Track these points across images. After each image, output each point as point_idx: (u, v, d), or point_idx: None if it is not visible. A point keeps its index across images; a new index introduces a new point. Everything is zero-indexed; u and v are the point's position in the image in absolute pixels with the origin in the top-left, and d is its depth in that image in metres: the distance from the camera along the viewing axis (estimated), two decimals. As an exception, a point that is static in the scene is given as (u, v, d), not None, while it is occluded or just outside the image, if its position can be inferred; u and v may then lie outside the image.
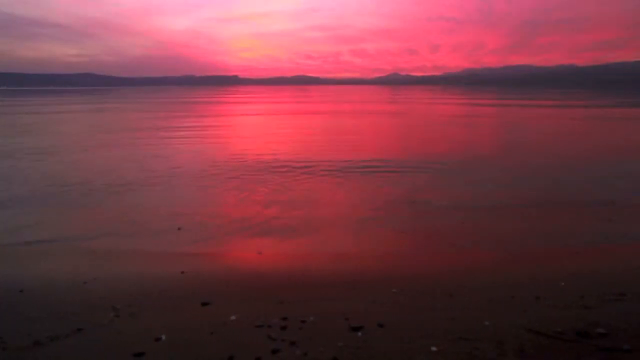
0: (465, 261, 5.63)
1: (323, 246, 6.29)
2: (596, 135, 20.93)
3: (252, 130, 24.61)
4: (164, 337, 3.42)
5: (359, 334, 3.40)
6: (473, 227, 7.18)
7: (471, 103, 52.81)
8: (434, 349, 3.17)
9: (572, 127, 25.15)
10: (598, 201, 8.86)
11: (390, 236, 6.77)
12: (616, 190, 9.73)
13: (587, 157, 14.27)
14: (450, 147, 16.57)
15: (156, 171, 11.72)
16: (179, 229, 6.93)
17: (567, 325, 3.55)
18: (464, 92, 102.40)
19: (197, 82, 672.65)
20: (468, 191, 9.61)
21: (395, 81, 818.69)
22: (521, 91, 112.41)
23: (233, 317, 3.75)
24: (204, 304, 4.08)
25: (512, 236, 6.74)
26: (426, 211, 8.06)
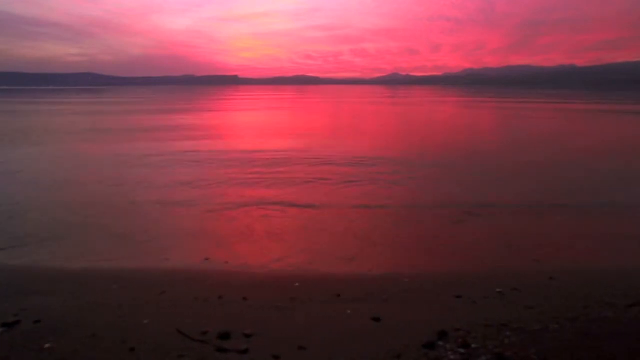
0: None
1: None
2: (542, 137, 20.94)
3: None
4: None
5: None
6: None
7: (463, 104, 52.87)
8: (47, 345, 3.27)
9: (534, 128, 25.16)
10: (469, 202, 8.86)
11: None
12: (496, 192, 9.70)
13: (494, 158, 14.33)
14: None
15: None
16: None
17: (217, 327, 3.64)
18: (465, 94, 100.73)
19: (197, 82, 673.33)
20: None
21: (395, 81, 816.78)
22: (520, 92, 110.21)
23: None
24: None
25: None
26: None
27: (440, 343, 3.54)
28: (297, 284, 4.74)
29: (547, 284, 4.96)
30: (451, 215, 7.78)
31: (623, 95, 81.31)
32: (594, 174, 11.71)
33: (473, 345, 3.49)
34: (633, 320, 3.99)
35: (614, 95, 78.42)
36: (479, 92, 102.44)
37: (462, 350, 3.43)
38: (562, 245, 6.40)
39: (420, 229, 7.09)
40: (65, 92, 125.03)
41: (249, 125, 26.87)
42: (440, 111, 39.37)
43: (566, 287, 4.87)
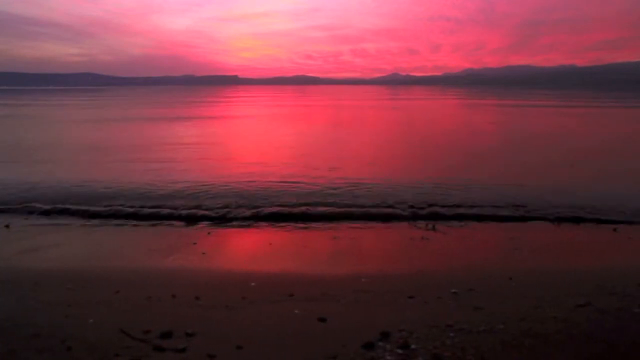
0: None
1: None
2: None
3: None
4: None
5: None
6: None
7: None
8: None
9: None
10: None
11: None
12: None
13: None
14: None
15: None
16: None
17: (162, 326, 3.66)
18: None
19: (197, 82, 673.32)
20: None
21: (395, 81, 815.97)
22: (524, 93, 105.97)
23: None
24: None
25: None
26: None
27: (381, 344, 3.55)
28: (253, 284, 4.76)
29: (504, 285, 4.98)
30: (418, 218, 7.75)
31: (624, 94, 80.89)
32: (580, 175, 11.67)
33: (412, 346, 3.51)
34: (579, 319, 4.01)
35: (619, 96, 77.69)
36: (484, 94, 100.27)
37: (399, 351, 3.45)
38: (525, 246, 6.40)
39: (387, 231, 7.10)
40: (64, 92, 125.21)
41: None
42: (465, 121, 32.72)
43: (523, 287, 4.89)
